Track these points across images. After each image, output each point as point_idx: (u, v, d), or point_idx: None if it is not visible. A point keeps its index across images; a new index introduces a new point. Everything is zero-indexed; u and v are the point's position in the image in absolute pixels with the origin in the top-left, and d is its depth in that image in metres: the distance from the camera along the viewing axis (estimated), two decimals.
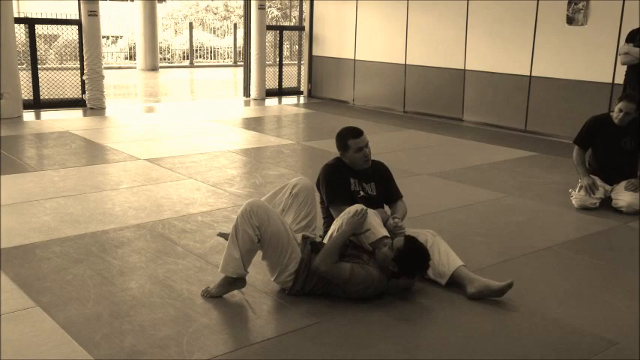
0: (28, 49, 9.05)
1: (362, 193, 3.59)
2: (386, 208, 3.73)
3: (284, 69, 11.93)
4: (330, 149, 6.82)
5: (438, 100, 9.66)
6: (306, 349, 2.79)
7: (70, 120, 8.53)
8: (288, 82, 12.09)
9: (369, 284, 3.14)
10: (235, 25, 21.32)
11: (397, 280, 3.22)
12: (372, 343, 2.86)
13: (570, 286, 3.59)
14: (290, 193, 3.56)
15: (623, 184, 5.01)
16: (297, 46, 12.49)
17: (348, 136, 3.57)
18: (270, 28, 11.81)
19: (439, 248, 3.40)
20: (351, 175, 3.62)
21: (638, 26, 5.89)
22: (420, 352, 2.79)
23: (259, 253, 3.24)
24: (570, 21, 7.84)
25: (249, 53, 11.27)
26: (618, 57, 5.99)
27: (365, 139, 3.58)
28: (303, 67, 12.07)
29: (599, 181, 5.08)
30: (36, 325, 2.89)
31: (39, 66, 9.24)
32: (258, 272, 3.44)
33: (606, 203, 5.04)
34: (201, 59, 20.70)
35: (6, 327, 2.85)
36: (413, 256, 3.19)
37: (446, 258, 3.39)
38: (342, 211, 3.38)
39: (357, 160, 3.57)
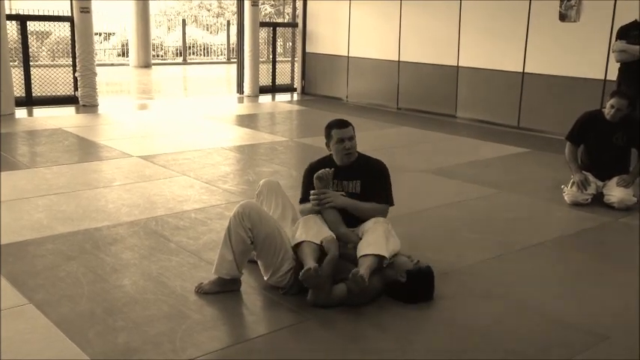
0: (20, 46, 9.00)
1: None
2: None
3: (277, 66, 11.92)
4: (323, 146, 6.81)
5: (431, 96, 9.67)
6: (300, 345, 2.79)
7: (63, 117, 8.50)
8: (282, 79, 12.08)
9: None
10: (229, 21, 21.27)
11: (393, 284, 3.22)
12: (365, 339, 2.86)
13: (562, 281, 3.61)
14: (257, 197, 3.62)
15: (614, 180, 5.03)
16: (290, 43, 12.48)
17: (333, 126, 3.53)
18: (263, 24, 11.81)
19: (376, 232, 3.26)
20: None
21: (629, 22, 5.91)
22: (413, 348, 2.80)
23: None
24: (563, 17, 7.87)
25: (243, 50, 11.24)
26: (613, 54, 6.00)
27: (349, 132, 3.49)
28: (296, 64, 12.05)
29: (591, 177, 5.10)
30: (29, 322, 2.89)
31: (31, 63, 9.19)
32: (251, 269, 3.44)
33: (598, 199, 5.07)
34: (194, 56, 20.65)
35: (0, 325, 2.85)
36: (426, 278, 3.21)
37: (367, 243, 3.21)
38: (301, 211, 3.52)
39: (337, 151, 3.50)
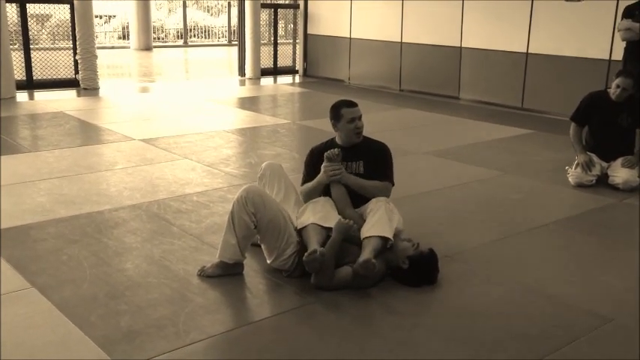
0: (20, 29, 8.94)
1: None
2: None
3: (279, 48, 11.83)
4: (326, 128, 6.78)
5: (434, 78, 9.60)
6: (303, 328, 2.79)
7: (64, 100, 8.46)
8: (284, 61, 12.00)
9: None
10: (229, 3, 21.10)
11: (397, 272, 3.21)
12: (370, 321, 2.86)
13: (567, 263, 3.59)
14: (259, 180, 3.60)
15: (619, 160, 5.00)
16: (292, 25, 12.38)
17: (343, 105, 3.52)
18: (264, 6, 11.69)
19: (374, 215, 3.24)
20: None
21: (634, 2, 5.83)
22: (417, 330, 2.79)
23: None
24: None
25: (244, 32, 11.16)
26: (618, 33, 5.94)
27: (359, 111, 3.51)
28: (298, 46, 11.97)
29: (595, 158, 5.07)
30: (31, 306, 2.88)
31: (31, 46, 9.13)
32: (254, 253, 3.43)
33: (603, 180, 5.04)
34: (195, 38, 20.54)
35: (1, 309, 2.84)
36: (429, 263, 3.20)
37: (370, 225, 3.21)
38: (302, 192, 3.50)
39: (348, 130, 3.49)
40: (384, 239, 3.15)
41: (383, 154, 3.58)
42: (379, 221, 3.20)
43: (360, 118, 3.51)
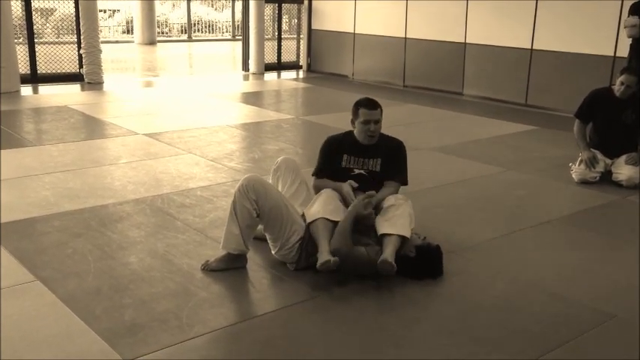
0: (25, 22, 8.96)
1: (356, 171, 3.49)
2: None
3: (283, 43, 11.83)
4: (329, 124, 6.79)
5: (438, 74, 9.59)
6: (307, 322, 2.80)
7: (68, 94, 8.48)
8: (287, 56, 11.99)
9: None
10: None
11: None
12: (372, 316, 2.87)
13: (569, 260, 3.60)
14: (273, 173, 3.62)
15: (623, 157, 5.00)
16: (296, 20, 12.37)
17: (362, 105, 3.51)
18: (268, 1, 11.68)
19: (396, 211, 3.26)
20: (348, 152, 3.54)
21: None
22: (419, 326, 2.80)
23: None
24: None
25: (248, 27, 11.16)
26: (624, 30, 5.92)
27: (376, 114, 3.48)
28: (302, 41, 11.96)
29: (599, 155, 5.07)
30: (36, 299, 2.90)
31: (36, 40, 9.15)
32: (257, 247, 3.44)
33: (606, 177, 5.03)
34: (199, 33, 20.54)
35: (6, 301, 2.85)
36: (434, 254, 3.23)
37: (389, 221, 3.23)
38: (318, 187, 3.49)
39: (360, 131, 3.50)
40: (404, 238, 3.18)
41: (399, 153, 3.59)
42: (401, 218, 3.21)
43: (376, 122, 3.48)
